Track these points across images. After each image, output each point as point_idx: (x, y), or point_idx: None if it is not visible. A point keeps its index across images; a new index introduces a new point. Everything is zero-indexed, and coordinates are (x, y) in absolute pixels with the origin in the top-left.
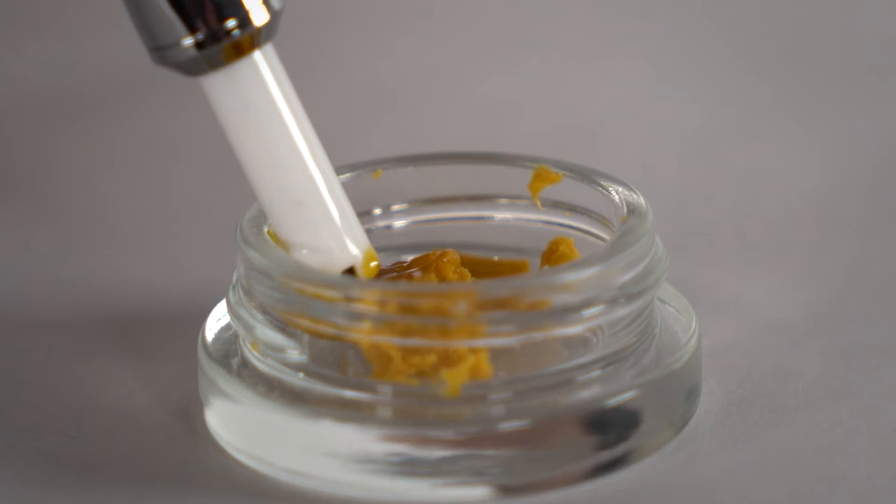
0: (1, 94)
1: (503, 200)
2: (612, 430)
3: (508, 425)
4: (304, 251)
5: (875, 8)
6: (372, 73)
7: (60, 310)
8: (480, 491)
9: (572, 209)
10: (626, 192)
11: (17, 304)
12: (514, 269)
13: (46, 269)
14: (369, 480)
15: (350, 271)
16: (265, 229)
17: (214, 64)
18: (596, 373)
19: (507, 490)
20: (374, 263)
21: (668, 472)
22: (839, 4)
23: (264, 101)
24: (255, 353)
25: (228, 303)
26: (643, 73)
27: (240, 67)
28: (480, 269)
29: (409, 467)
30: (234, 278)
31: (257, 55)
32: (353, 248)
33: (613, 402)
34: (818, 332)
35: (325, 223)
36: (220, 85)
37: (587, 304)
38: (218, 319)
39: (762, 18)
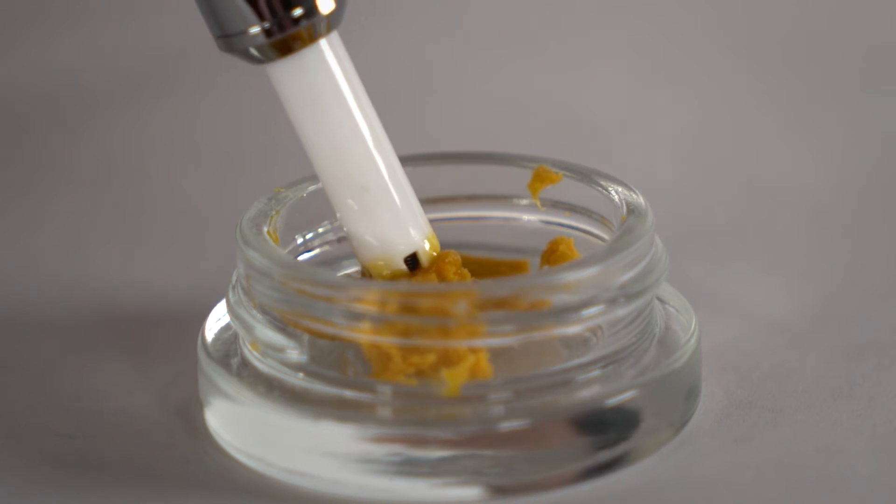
0: (1, 93)
1: (503, 200)
2: (611, 429)
3: (508, 425)
4: (367, 237)
5: (872, 8)
6: (371, 72)
7: (60, 310)
8: (480, 491)
9: (572, 209)
10: (626, 192)
11: (17, 304)
12: (514, 269)
13: (46, 269)
14: (369, 480)
15: (413, 257)
16: (265, 229)
17: (281, 52)
18: (596, 373)
19: (506, 490)
20: (435, 250)
21: (667, 472)
22: (837, 4)
23: (330, 89)
24: (255, 353)
25: (228, 303)
26: (643, 73)
27: (306, 55)
28: (480, 269)
29: (408, 467)
30: (234, 278)
31: (323, 43)
32: (416, 234)
33: (613, 401)
34: (818, 332)
35: (389, 209)
36: (287, 72)
37: (587, 303)
38: (218, 319)
39: (761, 19)
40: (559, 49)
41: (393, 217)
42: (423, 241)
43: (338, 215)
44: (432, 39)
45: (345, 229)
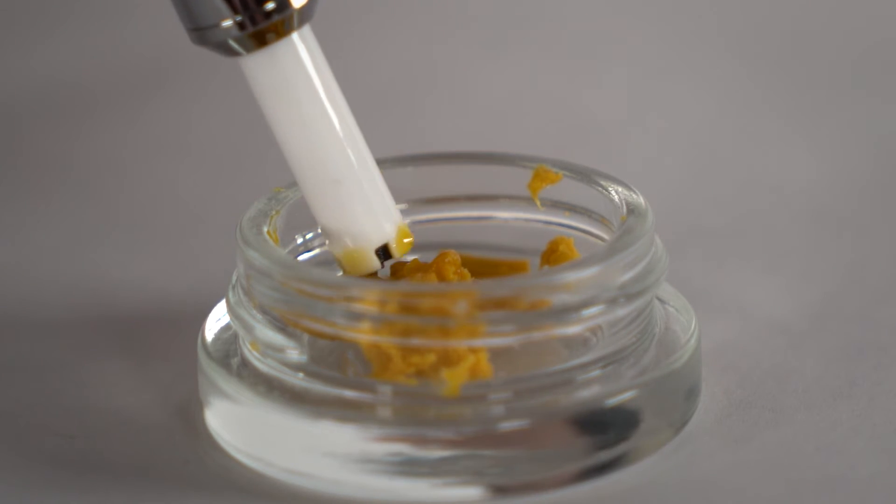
0: (1, 93)
1: (503, 200)
2: (611, 429)
3: (508, 425)
4: (340, 229)
5: (872, 7)
6: (371, 72)
7: (60, 310)
8: (480, 491)
9: (572, 209)
10: (626, 192)
11: (17, 304)
12: (514, 269)
13: (46, 269)
14: (369, 480)
15: (384, 248)
16: (265, 229)
17: (254, 45)
18: (596, 373)
19: (506, 490)
20: (407, 240)
21: (667, 472)
22: (837, 4)
23: (302, 82)
24: (255, 353)
25: (228, 303)
26: (643, 73)
27: (278, 48)
28: (480, 269)
29: (408, 467)
30: (234, 278)
31: (295, 37)
32: (388, 226)
33: (613, 401)
34: (818, 332)
35: (361, 201)
36: (259, 65)
37: (587, 303)
38: (218, 319)
39: (761, 18)
40: (559, 49)
41: (365, 209)
42: (394, 233)
43: (311, 208)
44: (432, 39)
45: (318, 221)
